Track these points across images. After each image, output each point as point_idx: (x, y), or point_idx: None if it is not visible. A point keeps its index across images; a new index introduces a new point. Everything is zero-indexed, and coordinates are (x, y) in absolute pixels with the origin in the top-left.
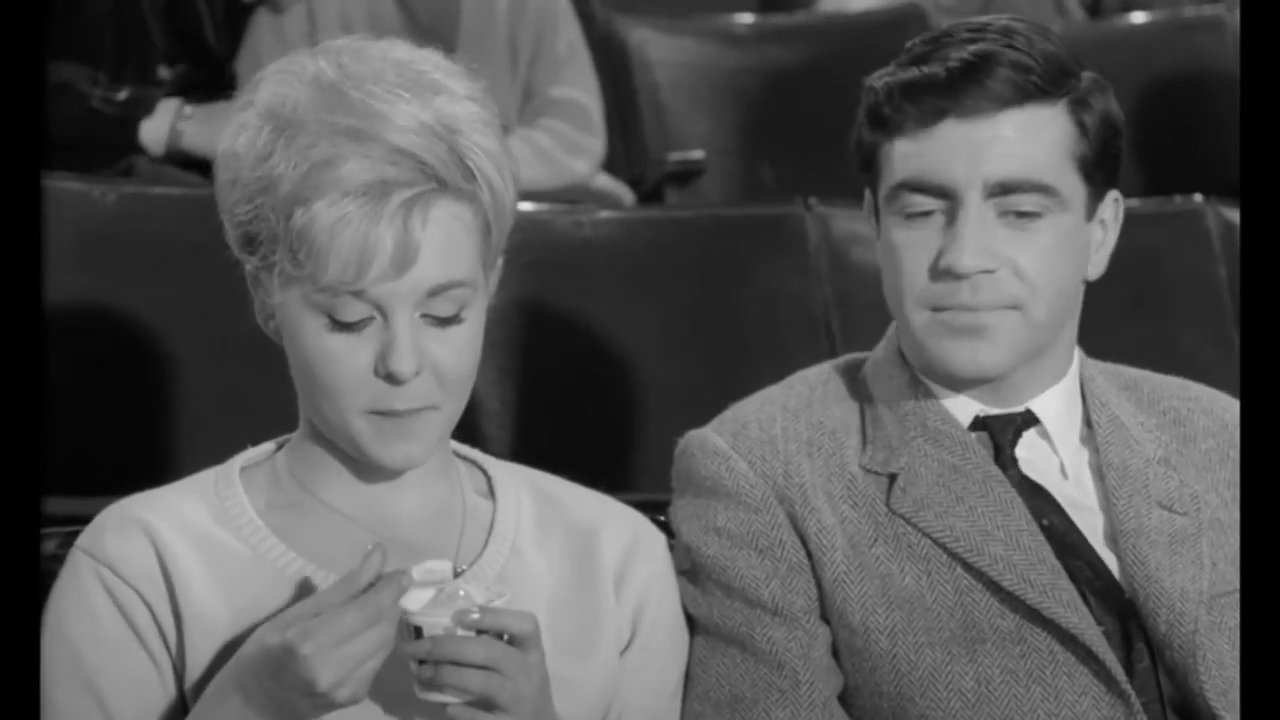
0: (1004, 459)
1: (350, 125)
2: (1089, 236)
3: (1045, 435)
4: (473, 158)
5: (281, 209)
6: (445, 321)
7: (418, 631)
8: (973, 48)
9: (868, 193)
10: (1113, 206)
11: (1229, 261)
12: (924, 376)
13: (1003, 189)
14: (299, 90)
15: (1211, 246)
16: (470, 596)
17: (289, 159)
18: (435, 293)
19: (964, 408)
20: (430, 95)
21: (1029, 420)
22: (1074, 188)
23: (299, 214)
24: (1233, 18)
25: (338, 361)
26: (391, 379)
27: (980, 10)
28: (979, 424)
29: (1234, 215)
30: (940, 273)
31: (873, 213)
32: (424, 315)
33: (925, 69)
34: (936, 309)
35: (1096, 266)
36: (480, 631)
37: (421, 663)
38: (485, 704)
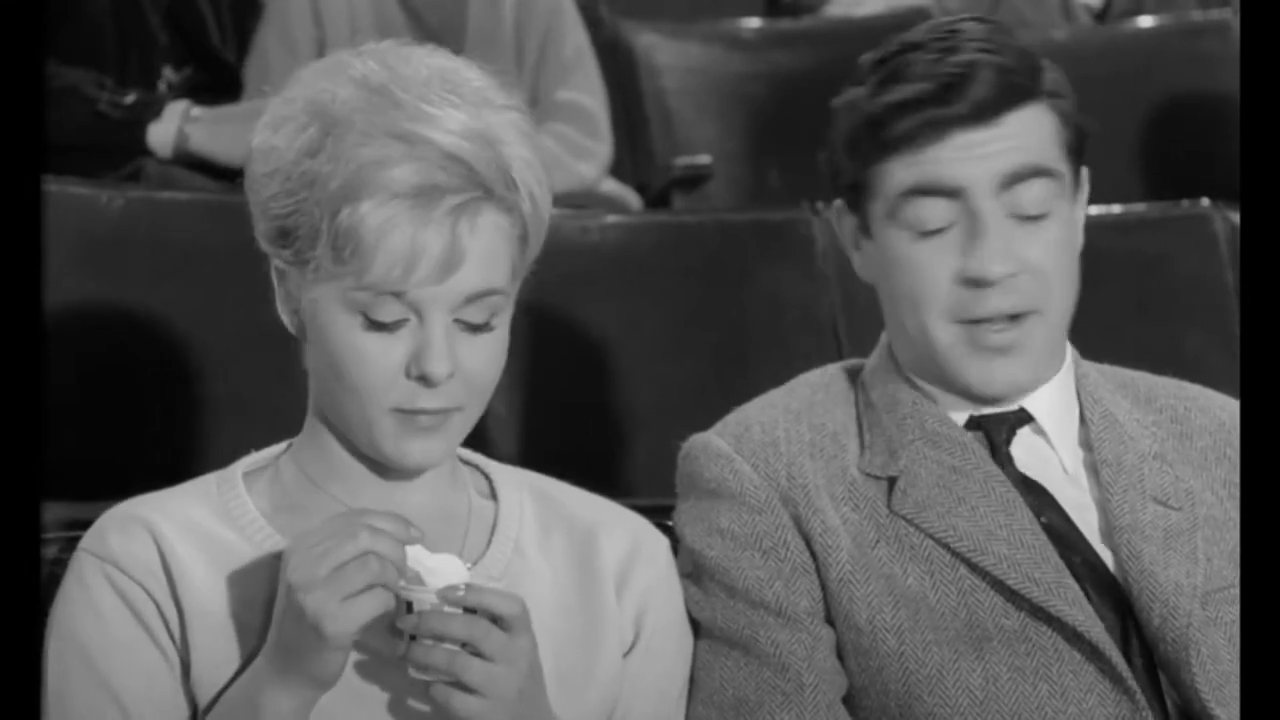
0: (1000, 458)
1: (403, 128)
2: (1077, 217)
3: (1040, 432)
4: (516, 168)
5: (327, 205)
6: (477, 329)
7: (409, 607)
8: (954, 58)
9: (848, 215)
10: (1084, 183)
11: (1235, 266)
12: (919, 380)
13: (1013, 179)
14: (347, 89)
15: (1218, 251)
16: (462, 576)
17: (338, 157)
18: (473, 299)
19: (959, 409)
20: (478, 104)
21: (1023, 418)
22: (1067, 173)
23: (346, 212)
24: (1239, 22)
25: (369, 360)
26: (425, 380)
27: (986, 15)
28: (973, 424)
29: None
30: (967, 281)
31: (857, 233)
32: (457, 320)
33: (912, 85)
34: (966, 321)
35: (1079, 244)
36: (470, 611)
37: (414, 639)
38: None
